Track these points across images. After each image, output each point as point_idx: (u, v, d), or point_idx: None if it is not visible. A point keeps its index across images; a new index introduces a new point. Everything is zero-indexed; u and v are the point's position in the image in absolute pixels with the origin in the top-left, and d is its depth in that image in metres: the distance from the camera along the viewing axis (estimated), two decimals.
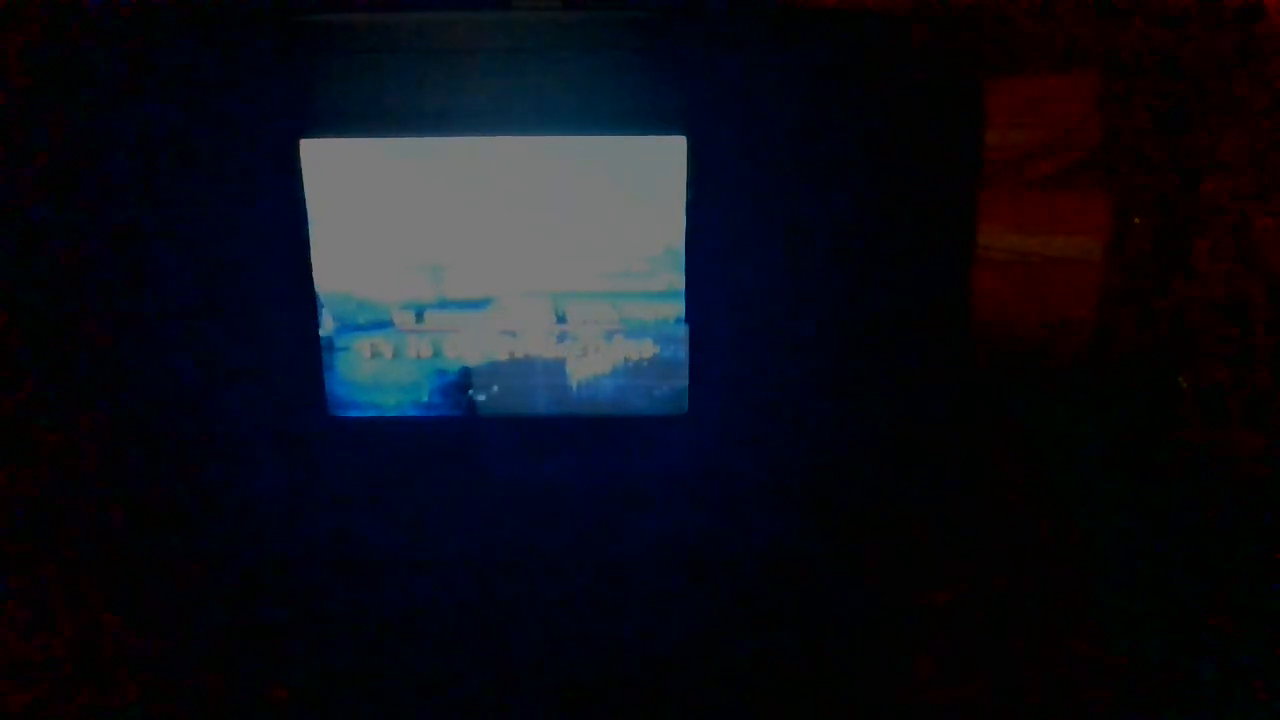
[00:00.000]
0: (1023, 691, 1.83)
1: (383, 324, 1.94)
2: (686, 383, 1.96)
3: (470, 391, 1.98)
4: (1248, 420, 1.67)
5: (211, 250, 1.91)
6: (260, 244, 1.91)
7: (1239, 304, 1.64)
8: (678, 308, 1.91)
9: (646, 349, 1.95)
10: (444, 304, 1.92)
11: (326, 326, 1.93)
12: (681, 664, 1.99)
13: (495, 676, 2.00)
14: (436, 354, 1.95)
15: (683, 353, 1.94)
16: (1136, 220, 1.75)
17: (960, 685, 1.87)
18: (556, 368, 1.96)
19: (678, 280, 1.90)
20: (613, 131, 1.83)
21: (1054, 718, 1.79)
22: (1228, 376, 1.68)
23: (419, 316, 1.93)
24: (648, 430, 2.02)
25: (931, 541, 1.99)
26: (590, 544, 2.06)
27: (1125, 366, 1.80)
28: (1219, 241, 1.66)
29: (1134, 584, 1.79)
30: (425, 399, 1.99)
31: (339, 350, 1.95)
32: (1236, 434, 1.68)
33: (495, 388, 1.98)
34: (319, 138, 1.83)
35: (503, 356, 1.96)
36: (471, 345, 1.95)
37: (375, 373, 1.97)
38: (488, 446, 2.05)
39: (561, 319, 1.93)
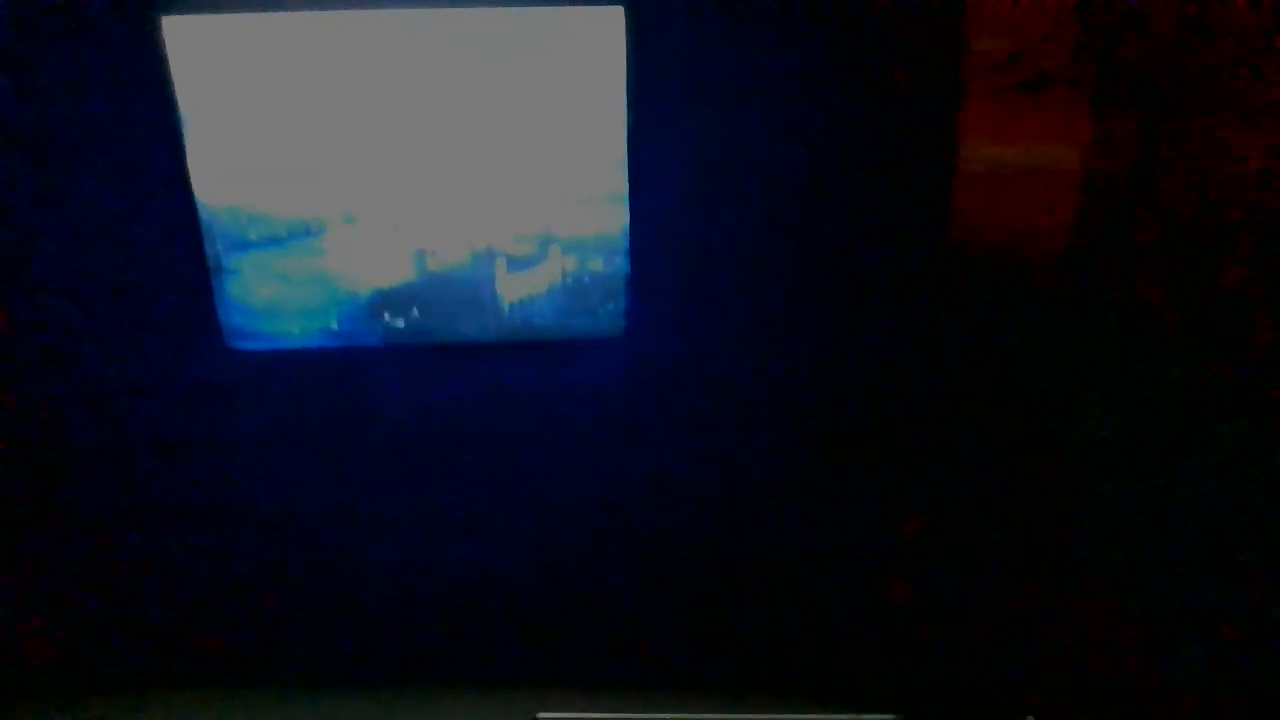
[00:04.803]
0: (996, 617, 1.79)
1: (279, 240, 1.67)
2: (623, 303, 1.73)
3: (386, 317, 1.74)
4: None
5: (64, 157, 1.62)
6: (122, 146, 1.62)
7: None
8: (618, 216, 1.67)
9: (579, 264, 1.71)
10: (349, 217, 1.66)
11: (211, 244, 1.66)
12: (622, 598, 1.91)
13: (423, 620, 1.91)
14: (343, 275, 1.70)
15: (624, 268, 1.71)
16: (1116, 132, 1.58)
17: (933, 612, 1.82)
18: (481, 287, 1.72)
19: (619, 185, 1.65)
20: (542, 2, 1.55)
21: (1023, 641, 1.76)
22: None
23: (321, 231, 1.66)
24: (581, 353, 1.79)
25: (901, 468, 1.86)
26: (521, 476, 1.89)
27: (1098, 277, 1.66)
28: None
29: (1103, 505, 1.68)
30: (335, 326, 1.74)
31: (229, 272, 1.68)
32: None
33: (415, 311, 1.73)
34: (182, 14, 1.52)
35: (419, 277, 1.70)
36: (384, 264, 1.69)
37: (275, 298, 1.71)
38: (405, 376, 1.82)
39: (484, 231, 1.68)
